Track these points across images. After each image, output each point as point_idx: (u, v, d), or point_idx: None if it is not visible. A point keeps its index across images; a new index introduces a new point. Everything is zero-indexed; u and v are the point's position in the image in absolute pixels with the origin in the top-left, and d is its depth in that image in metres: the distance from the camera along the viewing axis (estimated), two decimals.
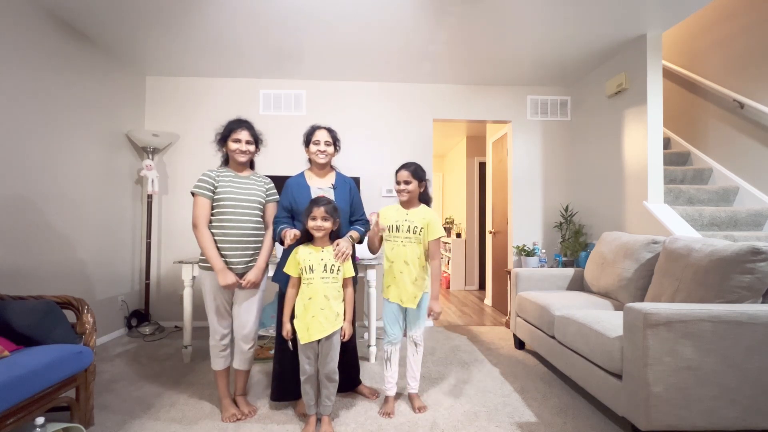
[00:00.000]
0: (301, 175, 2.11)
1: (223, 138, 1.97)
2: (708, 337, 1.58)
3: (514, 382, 2.36)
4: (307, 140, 2.09)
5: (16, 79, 2.38)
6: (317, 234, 1.78)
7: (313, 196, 1.97)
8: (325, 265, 1.77)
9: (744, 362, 1.57)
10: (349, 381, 2.16)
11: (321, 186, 2.07)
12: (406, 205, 2.01)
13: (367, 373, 2.50)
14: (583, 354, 2.00)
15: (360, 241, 2.05)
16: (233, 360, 2.03)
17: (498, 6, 2.53)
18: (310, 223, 1.77)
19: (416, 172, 1.96)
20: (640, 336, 1.60)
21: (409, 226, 1.95)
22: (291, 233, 1.79)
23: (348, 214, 2.08)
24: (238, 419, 1.89)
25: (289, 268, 1.81)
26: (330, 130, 2.09)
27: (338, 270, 1.80)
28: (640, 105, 2.91)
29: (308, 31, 2.85)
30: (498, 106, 3.89)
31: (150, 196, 3.51)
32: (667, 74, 3.78)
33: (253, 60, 3.35)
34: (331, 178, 2.12)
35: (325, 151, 2.04)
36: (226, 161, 2.05)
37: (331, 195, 2.03)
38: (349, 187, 2.13)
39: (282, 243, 1.89)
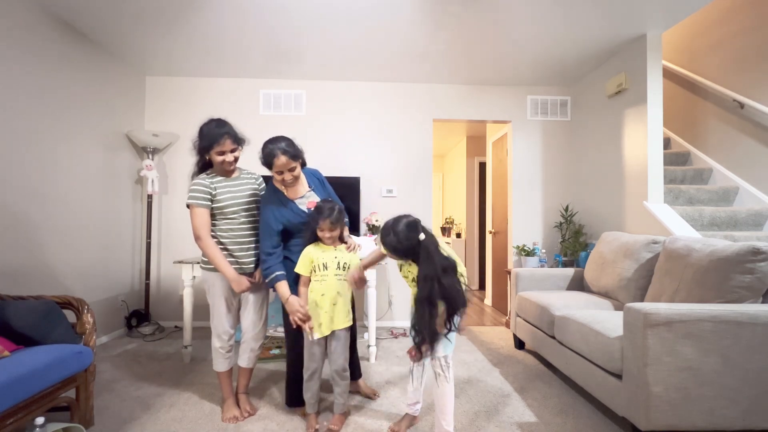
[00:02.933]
0: (274, 189, 1.90)
1: (204, 149, 1.83)
2: (708, 337, 1.58)
3: (514, 382, 2.36)
4: (267, 165, 1.79)
5: (15, 79, 2.38)
6: (327, 242, 1.81)
7: (300, 206, 1.90)
8: (339, 263, 1.80)
9: (744, 362, 1.57)
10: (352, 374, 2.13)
11: (301, 194, 1.94)
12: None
13: (366, 373, 2.50)
14: (583, 354, 2.00)
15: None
16: (240, 358, 2.02)
17: (498, 6, 2.53)
18: (320, 234, 1.79)
19: (396, 250, 1.59)
20: (640, 336, 1.60)
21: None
22: (302, 317, 1.77)
23: None
24: (238, 421, 1.89)
25: (300, 268, 1.81)
26: (285, 151, 1.74)
27: (349, 267, 1.83)
28: (640, 105, 2.90)
29: (308, 31, 2.85)
30: (498, 106, 3.89)
31: (150, 196, 3.51)
32: (667, 74, 3.78)
33: (253, 60, 3.35)
34: (303, 183, 1.96)
35: (292, 179, 1.81)
36: (205, 165, 1.93)
37: (313, 197, 1.96)
38: (320, 181, 2.04)
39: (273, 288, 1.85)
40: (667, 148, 3.78)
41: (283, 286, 1.81)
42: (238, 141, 1.88)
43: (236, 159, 1.90)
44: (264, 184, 2.05)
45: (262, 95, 3.76)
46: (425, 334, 1.56)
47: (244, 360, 2.01)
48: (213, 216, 1.89)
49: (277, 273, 1.82)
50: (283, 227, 1.88)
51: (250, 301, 1.98)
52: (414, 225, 1.58)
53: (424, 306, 1.53)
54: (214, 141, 1.80)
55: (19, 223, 2.41)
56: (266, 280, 1.85)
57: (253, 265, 1.95)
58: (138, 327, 3.37)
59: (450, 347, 1.67)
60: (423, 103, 3.84)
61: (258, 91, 3.77)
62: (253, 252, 1.94)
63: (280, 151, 1.74)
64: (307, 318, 1.77)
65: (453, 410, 1.67)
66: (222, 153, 1.82)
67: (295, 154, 1.79)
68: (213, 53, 3.23)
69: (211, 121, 1.86)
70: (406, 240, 1.55)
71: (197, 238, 1.84)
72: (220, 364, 1.97)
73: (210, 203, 1.85)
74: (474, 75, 3.64)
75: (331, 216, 1.75)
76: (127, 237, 3.47)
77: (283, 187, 1.90)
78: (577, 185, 3.81)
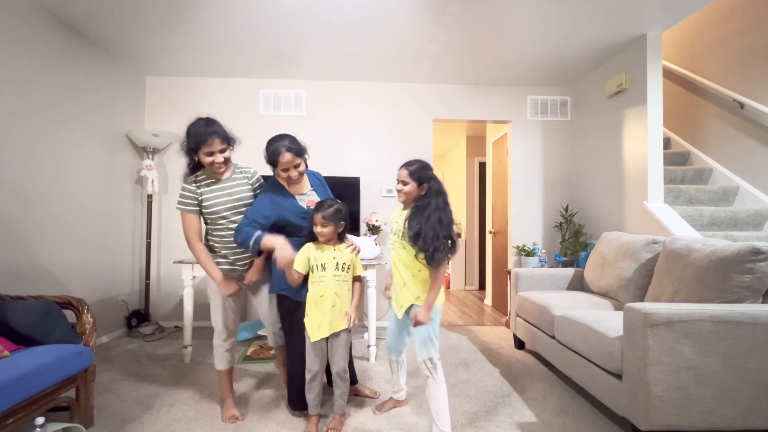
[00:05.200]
0: (276, 182, 1.90)
1: (192, 150, 1.76)
2: (708, 337, 1.58)
3: (514, 382, 2.36)
4: (272, 163, 1.81)
5: (15, 79, 2.38)
6: (320, 239, 1.79)
7: (300, 203, 1.90)
8: (337, 263, 1.78)
9: (744, 362, 1.57)
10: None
11: (303, 192, 1.94)
12: (405, 206, 1.81)
13: (367, 373, 2.50)
14: (583, 354, 2.00)
15: None
16: (270, 341, 2.14)
17: (498, 6, 2.53)
18: (314, 229, 1.78)
19: (416, 172, 1.72)
20: (640, 336, 1.60)
21: (399, 228, 1.75)
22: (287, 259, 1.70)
23: None
24: (238, 420, 1.89)
25: (297, 264, 1.78)
26: (290, 148, 1.76)
27: (348, 268, 1.81)
28: (640, 105, 2.90)
29: (308, 31, 2.85)
30: (498, 106, 3.89)
31: (150, 196, 3.51)
32: (667, 74, 3.78)
33: (253, 60, 3.35)
34: (306, 182, 1.97)
35: (298, 176, 1.83)
36: (196, 166, 1.86)
37: (314, 197, 1.96)
38: (320, 183, 2.06)
39: (259, 254, 1.85)
40: (667, 148, 3.78)
41: (267, 239, 1.72)
42: (228, 140, 1.81)
43: (227, 160, 1.82)
44: (258, 175, 2.00)
45: (262, 95, 3.76)
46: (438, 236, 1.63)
47: (272, 341, 2.13)
48: (205, 220, 1.90)
49: (255, 235, 1.72)
50: (277, 221, 1.84)
51: (260, 296, 2.02)
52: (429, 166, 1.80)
53: (434, 215, 1.66)
54: (202, 141, 1.73)
55: (19, 223, 2.41)
56: (250, 251, 1.75)
57: (247, 267, 1.95)
58: (138, 327, 3.37)
59: (432, 348, 1.67)
60: (423, 103, 3.84)
61: (258, 91, 3.77)
62: (246, 254, 1.91)
63: (285, 148, 1.76)
64: (289, 262, 1.71)
65: (447, 410, 1.67)
66: (210, 154, 1.75)
67: (299, 150, 1.81)
68: (213, 53, 3.23)
69: (199, 120, 1.79)
70: (426, 171, 1.74)
71: (187, 243, 1.86)
72: (220, 363, 1.97)
73: (198, 208, 1.84)
74: (474, 75, 3.64)
75: (324, 210, 1.74)
76: (127, 237, 3.47)
77: (286, 184, 1.91)
78: (577, 185, 3.81)
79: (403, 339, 1.90)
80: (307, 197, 1.95)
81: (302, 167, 1.84)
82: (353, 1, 2.48)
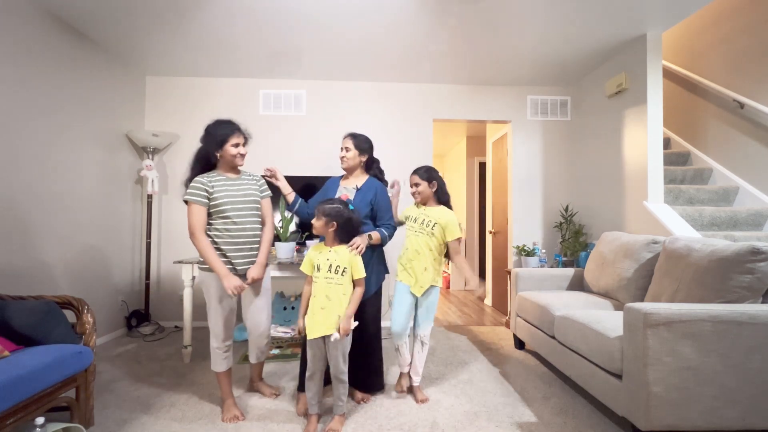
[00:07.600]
0: (340, 176, 2.26)
1: (219, 144, 1.89)
2: (708, 337, 1.58)
3: (514, 382, 2.36)
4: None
5: (15, 79, 2.38)
6: (314, 231, 1.82)
7: (338, 195, 2.08)
8: (330, 266, 1.78)
9: (744, 362, 1.57)
10: (369, 385, 2.14)
11: (347, 186, 2.16)
12: (421, 204, 2.18)
13: None
14: (583, 354, 2.00)
15: (382, 243, 2.08)
16: (250, 356, 2.15)
17: (498, 6, 2.53)
18: None
19: (426, 173, 2.12)
20: (640, 336, 1.60)
21: (423, 219, 2.09)
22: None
23: (368, 216, 2.10)
24: (238, 420, 1.89)
25: (304, 266, 1.84)
26: (354, 136, 2.16)
27: (344, 271, 1.78)
28: (640, 105, 2.91)
29: (308, 31, 2.86)
30: (498, 106, 3.89)
31: (150, 196, 3.51)
32: (667, 74, 3.78)
33: (253, 60, 3.35)
34: (359, 180, 2.18)
35: (344, 157, 2.14)
36: (207, 166, 1.96)
37: (352, 195, 2.10)
38: (375, 191, 2.14)
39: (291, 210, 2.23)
40: (667, 148, 3.78)
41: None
42: (246, 137, 1.99)
43: (244, 155, 1.97)
44: (265, 185, 2.10)
45: (262, 95, 3.76)
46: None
47: (253, 357, 2.14)
48: (210, 215, 1.90)
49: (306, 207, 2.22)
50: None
51: (251, 303, 2.01)
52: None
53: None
54: (231, 133, 1.89)
55: (19, 223, 2.41)
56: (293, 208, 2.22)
57: (247, 267, 1.94)
58: (138, 327, 3.37)
59: (431, 323, 2.15)
60: (423, 103, 3.84)
61: (258, 91, 3.77)
62: (246, 254, 1.93)
63: (349, 135, 2.18)
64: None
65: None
66: (237, 145, 1.91)
67: (358, 142, 2.15)
68: (213, 53, 3.23)
69: (217, 121, 1.95)
70: (432, 172, 2.15)
71: (191, 234, 1.85)
72: (218, 365, 1.96)
73: (207, 201, 1.86)
74: (474, 75, 3.64)
75: (322, 204, 1.80)
76: (127, 237, 3.47)
77: (344, 180, 2.20)
78: (577, 185, 3.81)
79: (408, 322, 2.13)
80: (346, 190, 2.14)
81: (352, 154, 2.14)
82: (354, 1, 2.48)
